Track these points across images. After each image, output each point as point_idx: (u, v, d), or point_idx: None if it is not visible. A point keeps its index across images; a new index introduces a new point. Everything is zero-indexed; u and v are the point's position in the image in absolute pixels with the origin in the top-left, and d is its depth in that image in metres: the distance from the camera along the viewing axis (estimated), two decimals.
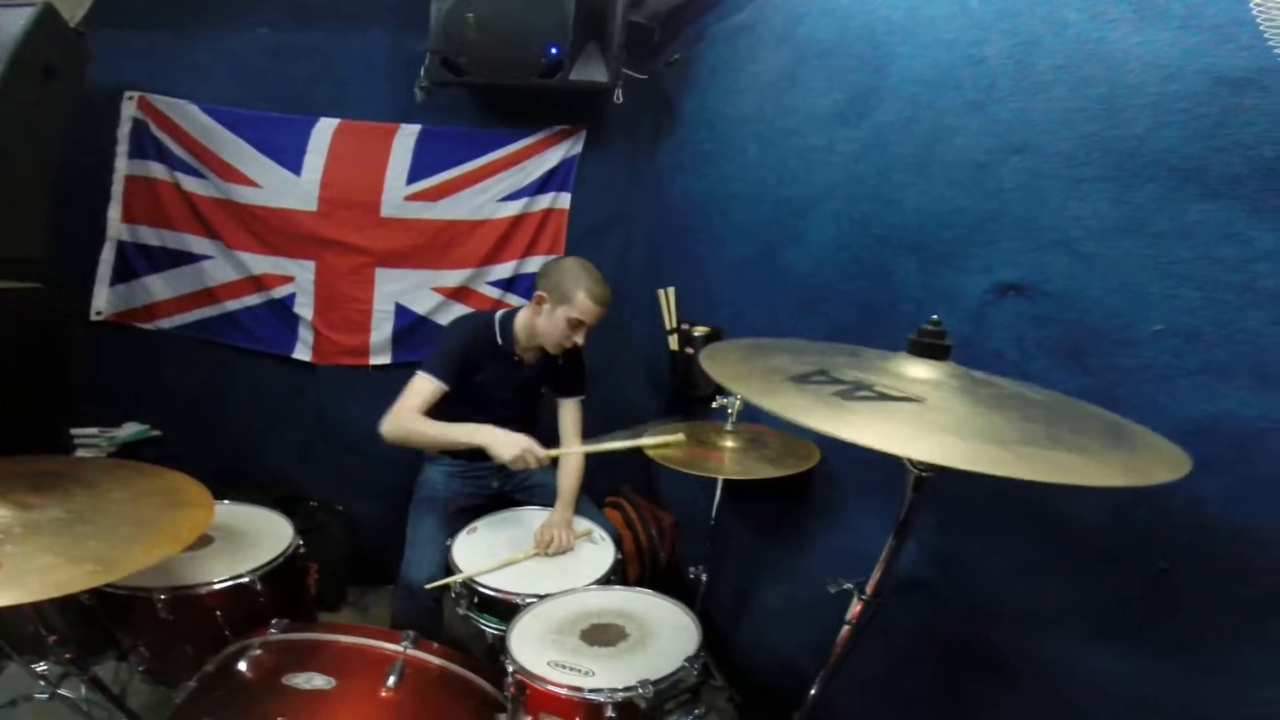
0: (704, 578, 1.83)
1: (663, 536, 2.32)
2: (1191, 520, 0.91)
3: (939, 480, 0.90)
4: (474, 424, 1.74)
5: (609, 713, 1.19)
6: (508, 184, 2.54)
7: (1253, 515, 0.86)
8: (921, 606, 1.34)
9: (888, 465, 1.18)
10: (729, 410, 1.75)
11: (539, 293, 1.86)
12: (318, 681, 1.25)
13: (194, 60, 2.36)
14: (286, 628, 1.40)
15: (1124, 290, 0.98)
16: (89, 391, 2.37)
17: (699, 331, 2.16)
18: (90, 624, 1.54)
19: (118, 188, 2.36)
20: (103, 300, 2.38)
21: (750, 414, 1.78)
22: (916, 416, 0.74)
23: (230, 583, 1.50)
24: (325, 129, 2.43)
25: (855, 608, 0.99)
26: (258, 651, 1.31)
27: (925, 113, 1.28)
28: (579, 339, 1.84)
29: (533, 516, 1.95)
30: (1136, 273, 0.96)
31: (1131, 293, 0.97)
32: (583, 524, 1.91)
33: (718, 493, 1.83)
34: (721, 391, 1.79)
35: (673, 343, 2.37)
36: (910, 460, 0.89)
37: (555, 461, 2.00)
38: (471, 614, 1.62)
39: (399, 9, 2.34)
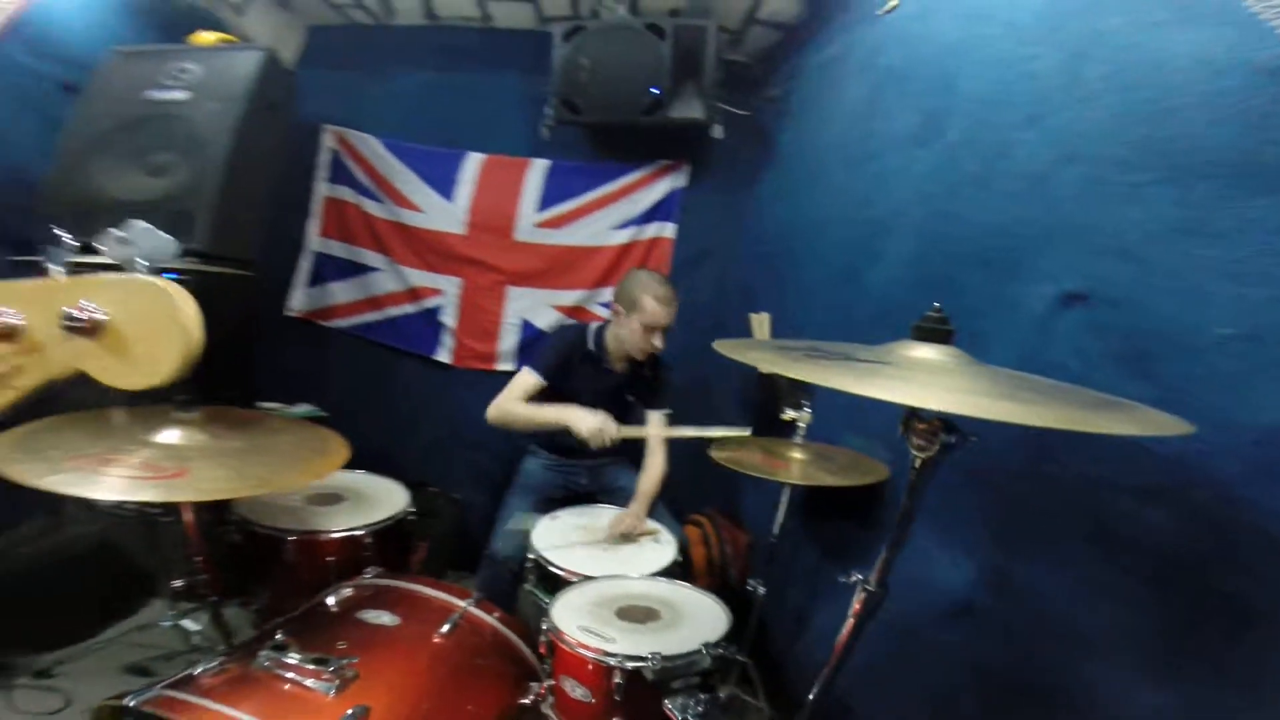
0: (761, 591, 1.78)
1: (736, 555, 2.27)
2: (1262, 539, 0.78)
3: (935, 464, 0.85)
4: (562, 405, 1.92)
5: (616, 678, 1.21)
6: (619, 214, 2.71)
7: None
8: (972, 633, 1.22)
9: (951, 487, 1.14)
10: (799, 425, 1.72)
11: (614, 305, 2.00)
12: (385, 619, 1.36)
13: (374, 99, 2.79)
14: (378, 575, 1.55)
15: (1186, 293, 0.88)
16: (275, 373, 2.77)
17: None
18: (232, 568, 1.69)
19: (316, 207, 2.82)
20: (297, 300, 2.83)
21: (824, 434, 1.74)
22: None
23: (344, 534, 1.67)
24: (473, 162, 2.75)
25: (858, 600, 0.94)
26: (347, 591, 1.45)
27: (987, 130, 1.24)
28: (657, 341, 1.95)
29: (611, 513, 2.01)
30: (1198, 274, 0.86)
31: (1194, 295, 0.86)
32: (652, 524, 1.94)
33: (782, 506, 1.78)
34: (795, 407, 1.76)
35: (763, 365, 2.35)
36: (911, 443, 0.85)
37: (638, 462, 2.09)
38: (535, 590, 1.70)
39: (528, 55, 2.62)
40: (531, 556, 1.73)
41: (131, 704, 1.02)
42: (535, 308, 2.79)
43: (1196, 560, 0.86)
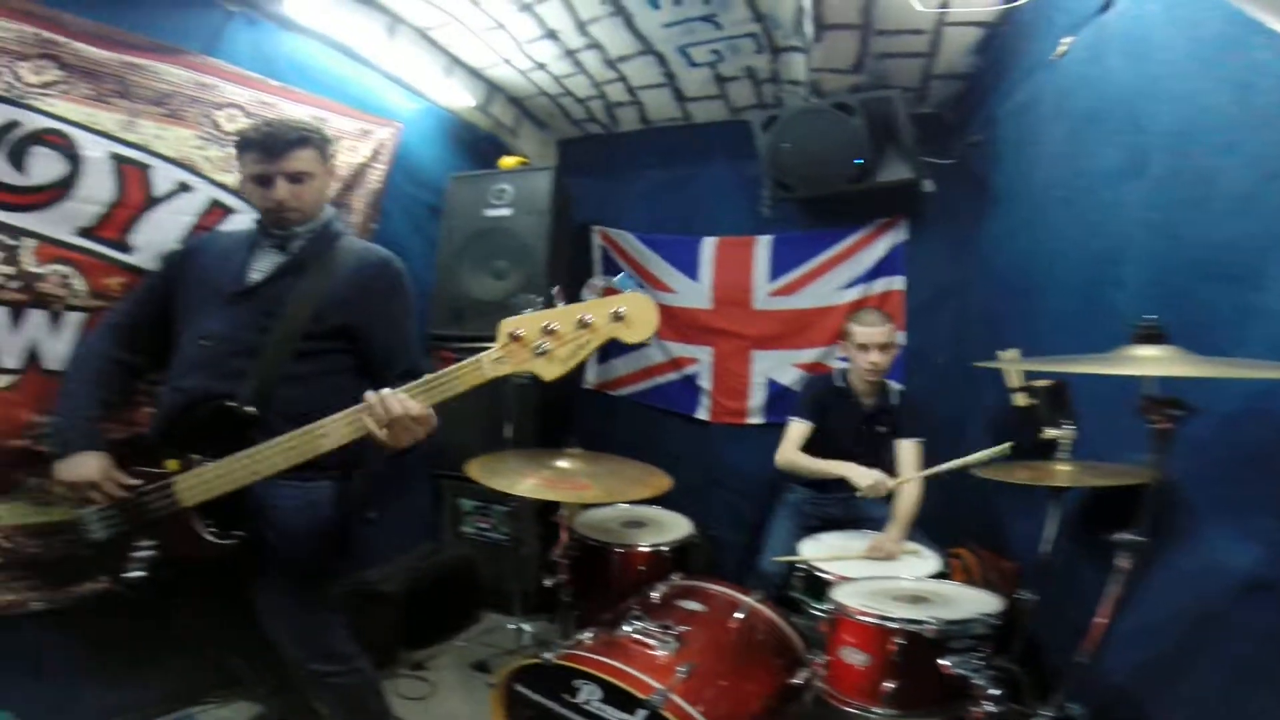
0: (1030, 598, 1.86)
1: (1002, 582, 2.32)
2: None
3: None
4: (840, 460, 2.25)
5: (897, 640, 1.47)
6: (845, 274, 3.04)
7: None
8: (1269, 605, 1.26)
9: (1232, 481, 1.33)
10: (1061, 443, 1.83)
11: (841, 347, 2.42)
12: (694, 606, 1.82)
13: (621, 198, 3.44)
14: (683, 578, 2.01)
15: None
16: (581, 430, 3.46)
17: (1040, 384, 2.22)
18: (569, 577, 2.10)
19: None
20: (591, 375, 3.59)
21: (1092, 452, 1.82)
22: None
23: (653, 548, 2.18)
24: (709, 245, 3.28)
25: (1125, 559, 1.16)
26: (664, 588, 1.92)
27: (1186, 160, 1.39)
28: (873, 357, 2.29)
29: (868, 537, 2.25)
30: None
31: None
32: (912, 545, 2.14)
33: (1051, 519, 1.86)
34: (1056, 426, 1.88)
35: (1019, 400, 2.43)
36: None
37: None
38: (803, 596, 2.01)
39: (734, 145, 3.04)
40: (802, 568, 2.05)
41: (549, 658, 1.49)
42: (778, 367, 3.19)
43: None
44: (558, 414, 3.18)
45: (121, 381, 1.55)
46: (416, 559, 2.82)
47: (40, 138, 1.71)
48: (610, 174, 3.54)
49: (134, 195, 1.92)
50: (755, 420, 3.23)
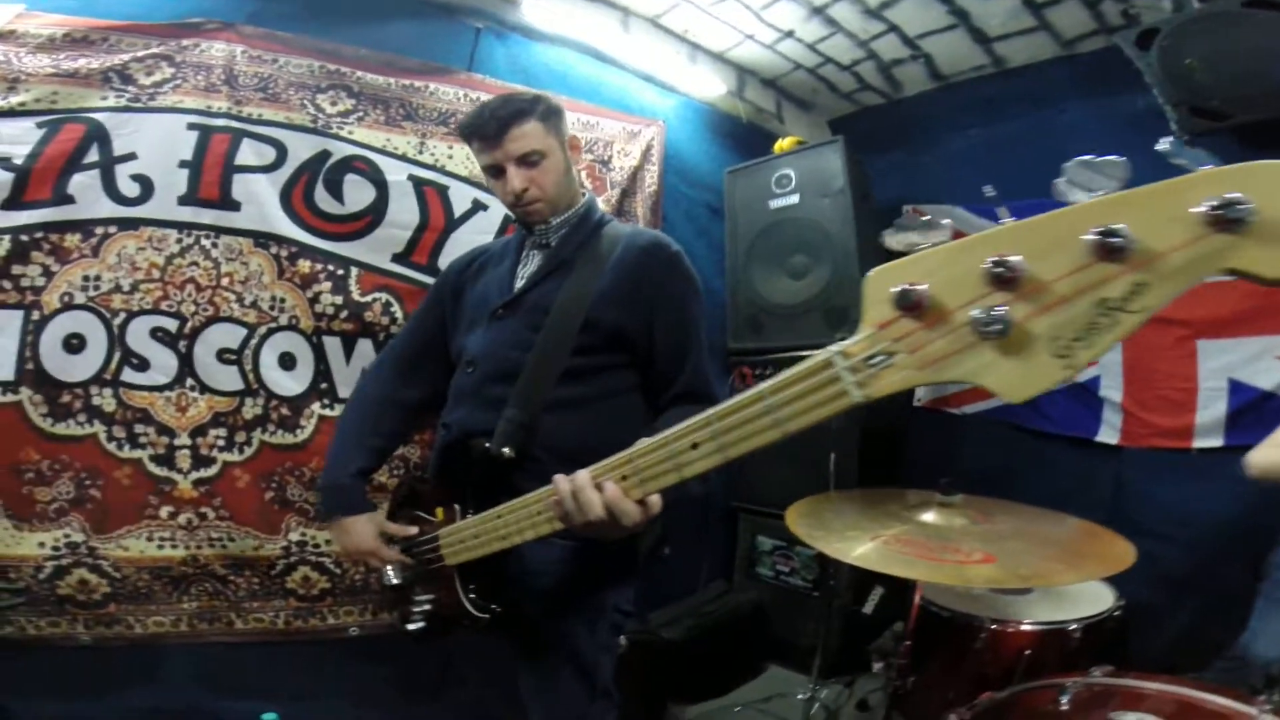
0: None
1: None
2: None
3: None
4: None
5: None
6: None
7: None
8: None
9: None
10: None
11: None
12: None
13: (926, 169, 2.88)
14: (1111, 673, 1.33)
15: None
16: (910, 461, 2.89)
17: None
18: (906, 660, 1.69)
19: None
20: (923, 389, 2.93)
21: None
22: None
23: (1048, 626, 1.57)
24: None
25: None
26: (1079, 689, 1.28)
27: None
28: None
29: None
30: None
31: None
32: None
33: None
34: None
35: None
36: None
37: None
38: None
39: (1086, 81, 2.48)
40: None
41: None
42: (1249, 362, 2.19)
43: None
44: (884, 441, 2.62)
45: (398, 422, 1.46)
46: (704, 600, 2.63)
47: (350, 165, 1.93)
48: (905, 146, 3.06)
49: (436, 217, 2.07)
50: (1207, 443, 2.26)
